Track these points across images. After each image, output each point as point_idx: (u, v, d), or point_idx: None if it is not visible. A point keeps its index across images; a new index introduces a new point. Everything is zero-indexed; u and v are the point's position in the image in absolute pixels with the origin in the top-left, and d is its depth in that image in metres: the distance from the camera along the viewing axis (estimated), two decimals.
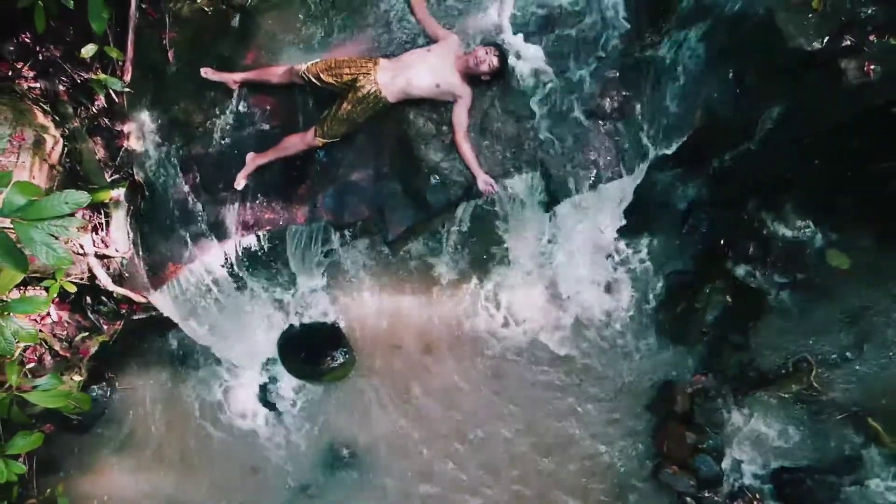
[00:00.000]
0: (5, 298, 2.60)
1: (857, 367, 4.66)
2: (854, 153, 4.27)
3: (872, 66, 3.22)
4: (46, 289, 3.40)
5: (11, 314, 2.51)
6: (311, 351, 4.93)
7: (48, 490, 4.41)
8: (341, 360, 4.88)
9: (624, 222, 4.50)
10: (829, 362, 4.71)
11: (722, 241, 4.96)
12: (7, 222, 1.93)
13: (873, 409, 4.59)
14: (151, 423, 4.92)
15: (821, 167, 4.45)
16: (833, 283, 4.74)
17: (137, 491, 4.83)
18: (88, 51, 3.31)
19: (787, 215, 4.85)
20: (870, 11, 3.21)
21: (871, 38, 3.22)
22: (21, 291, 3.39)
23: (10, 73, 3.31)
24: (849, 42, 3.25)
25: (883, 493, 4.52)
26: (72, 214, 2.01)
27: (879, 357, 4.63)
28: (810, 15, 3.25)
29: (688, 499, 4.69)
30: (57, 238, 2.00)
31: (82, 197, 2.08)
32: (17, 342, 2.54)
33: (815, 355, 4.72)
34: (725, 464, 4.75)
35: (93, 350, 3.97)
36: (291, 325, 5.01)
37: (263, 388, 5.07)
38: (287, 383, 5.07)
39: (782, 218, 4.85)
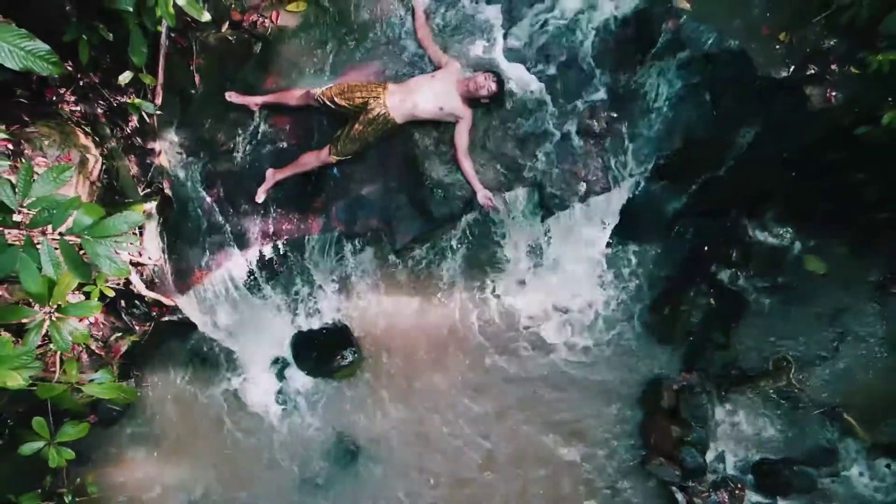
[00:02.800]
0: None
1: (834, 366, 4.85)
2: (829, 166, 4.44)
3: (834, 93, 3.46)
4: (86, 293, 3.70)
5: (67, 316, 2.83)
6: (322, 350, 5.12)
7: (77, 480, 4.57)
8: (350, 358, 5.08)
9: (614, 230, 4.71)
10: (807, 361, 4.89)
11: (706, 248, 5.11)
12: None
13: (848, 405, 4.77)
14: (172, 418, 5.11)
15: (799, 178, 4.61)
16: (810, 286, 4.92)
17: (159, 481, 5.03)
18: (125, 78, 3.53)
19: (768, 223, 5.03)
20: (832, 43, 3.44)
21: (833, 67, 3.45)
22: None
23: (54, 98, 3.60)
24: (813, 71, 3.48)
25: (857, 483, 4.72)
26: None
27: (854, 356, 4.83)
28: (777, 46, 3.49)
29: (674, 488, 4.81)
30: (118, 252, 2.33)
31: (138, 217, 2.42)
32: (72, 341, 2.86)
33: (793, 354, 4.90)
34: (709, 456, 4.88)
35: (124, 349, 4.22)
36: (304, 327, 5.20)
37: (277, 386, 5.25)
38: (299, 381, 5.26)
39: (763, 226, 5.04)
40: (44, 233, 2.27)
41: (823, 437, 4.83)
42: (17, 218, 2.29)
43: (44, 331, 2.81)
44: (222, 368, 5.20)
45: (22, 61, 1.93)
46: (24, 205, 2.23)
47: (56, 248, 2.28)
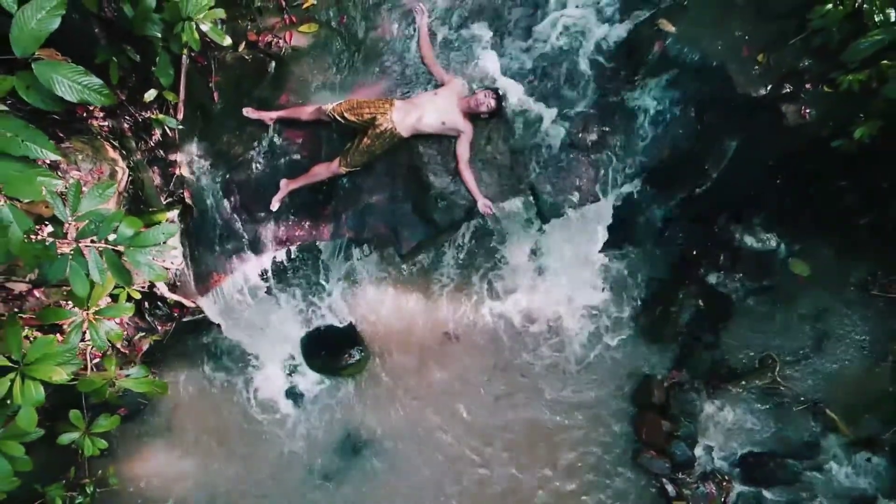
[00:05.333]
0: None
1: (817, 364, 5.05)
2: (812, 175, 4.70)
3: (808, 110, 3.70)
4: (113, 296, 3.95)
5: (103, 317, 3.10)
6: (331, 349, 5.32)
7: (99, 472, 4.73)
8: (357, 357, 5.28)
9: (607, 236, 4.91)
10: (792, 359, 5.09)
11: (695, 252, 5.34)
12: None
13: (831, 401, 4.97)
14: (188, 413, 5.30)
15: (784, 185, 4.86)
16: (795, 288, 5.14)
17: (175, 474, 5.21)
18: (150, 95, 3.78)
19: (754, 228, 5.25)
20: (806, 64, 3.68)
21: (807, 86, 3.70)
22: None
23: (84, 115, 3.85)
24: (788, 89, 3.72)
25: (839, 475, 4.92)
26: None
27: (836, 354, 5.03)
28: (756, 67, 3.73)
29: (664, 480, 5.01)
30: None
31: (173, 228, 2.70)
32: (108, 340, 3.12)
33: (778, 353, 5.11)
34: (698, 449, 5.09)
35: (145, 347, 4.45)
36: (314, 327, 5.41)
37: (288, 383, 5.44)
38: (309, 378, 5.46)
39: (750, 230, 5.25)
40: (76, 241, 2.52)
41: (807, 431, 5.02)
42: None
43: (83, 330, 3.07)
44: (237, 366, 5.39)
45: (79, 94, 2.19)
46: (73, 218, 2.48)
47: (101, 257, 2.55)
